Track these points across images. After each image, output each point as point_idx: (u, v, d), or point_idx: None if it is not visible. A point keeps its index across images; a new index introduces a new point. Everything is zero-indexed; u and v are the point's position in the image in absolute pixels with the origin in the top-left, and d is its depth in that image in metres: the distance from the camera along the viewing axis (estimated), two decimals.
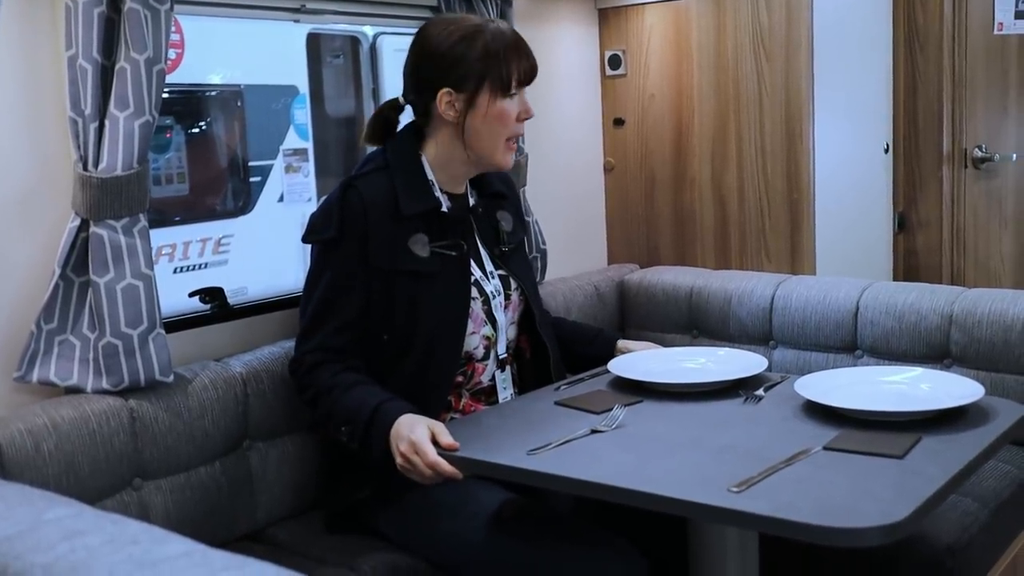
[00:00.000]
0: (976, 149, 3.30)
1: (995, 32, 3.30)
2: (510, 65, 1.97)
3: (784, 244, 2.83)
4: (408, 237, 1.97)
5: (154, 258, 1.85)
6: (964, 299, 2.40)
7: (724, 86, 2.85)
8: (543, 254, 2.70)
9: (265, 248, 4.74)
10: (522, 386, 2.15)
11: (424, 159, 2.04)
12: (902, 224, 3.26)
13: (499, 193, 2.18)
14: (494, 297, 2.07)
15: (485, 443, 1.74)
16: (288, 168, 5.07)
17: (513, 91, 1.99)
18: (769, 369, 2.58)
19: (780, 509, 1.38)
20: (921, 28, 3.18)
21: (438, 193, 2.03)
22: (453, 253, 2.01)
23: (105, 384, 1.80)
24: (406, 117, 2.12)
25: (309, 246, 2.01)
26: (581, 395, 1.96)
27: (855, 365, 2.50)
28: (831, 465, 1.54)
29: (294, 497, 2.08)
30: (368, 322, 1.96)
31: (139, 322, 1.81)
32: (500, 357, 2.09)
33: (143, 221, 1.82)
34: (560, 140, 2.96)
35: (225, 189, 4.69)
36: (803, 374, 2.52)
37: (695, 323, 2.76)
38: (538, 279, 2.66)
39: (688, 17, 2.89)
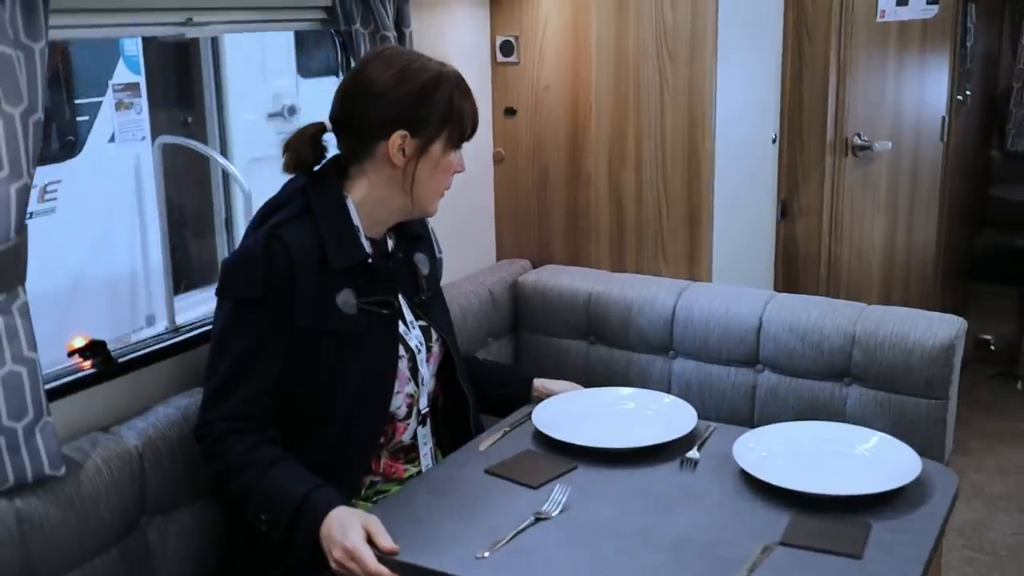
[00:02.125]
0: (856, 137, 3.31)
1: (878, 19, 3.30)
2: (466, 119, 1.89)
3: (682, 247, 2.78)
4: (335, 293, 1.81)
5: None
6: (866, 318, 2.41)
7: (624, 82, 2.73)
8: (439, 263, 2.56)
9: (98, 197, 4.39)
10: (438, 437, 2.03)
11: (349, 202, 1.86)
12: (784, 212, 3.26)
13: (417, 235, 2.03)
14: (418, 352, 1.93)
15: (424, 538, 1.62)
16: (119, 105, 4.68)
17: (459, 145, 1.88)
18: (669, 380, 2.59)
19: None
20: (810, 16, 3.14)
21: (364, 241, 1.87)
22: (385, 311, 1.87)
23: None
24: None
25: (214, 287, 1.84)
26: (511, 461, 1.87)
27: (756, 380, 2.50)
28: (794, 572, 1.51)
29: (196, 568, 1.91)
30: (286, 384, 1.80)
31: (24, 413, 1.58)
32: (422, 413, 1.96)
33: (23, 296, 1.58)
34: None
35: (48, 130, 4.29)
36: (703, 386, 2.55)
37: (593, 330, 2.69)
38: None
39: (587, 7, 2.73)
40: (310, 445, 1.81)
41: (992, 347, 4.60)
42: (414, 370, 1.93)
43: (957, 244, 4.54)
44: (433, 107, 1.84)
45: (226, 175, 5.03)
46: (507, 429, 2.01)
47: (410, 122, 1.83)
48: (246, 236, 1.88)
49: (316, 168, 1.92)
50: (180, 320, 2.32)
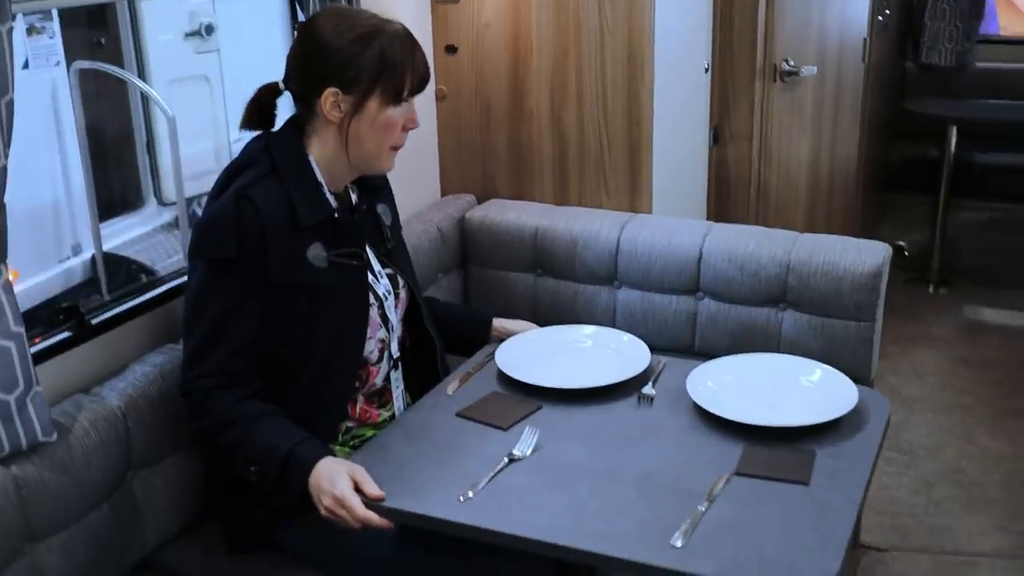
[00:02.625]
0: (783, 63, 3.42)
1: None
2: (404, 74, 1.88)
3: (623, 179, 2.88)
4: (305, 248, 1.87)
5: None
6: (799, 247, 2.55)
7: (564, 19, 2.78)
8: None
9: (14, 125, 4.30)
10: (407, 381, 2.13)
11: (311, 159, 1.92)
12: (716, 138, 3.38)
13: (378, 187, 2.09)
14: (386, 299, 2.02)
15: (406, 484, 1.73)
16: (30, 30, 4.55)
17: (403, 100, 1.89)
18: (615, 310, 2.72)
19: (727, 571, 1.49)
20: None
21: (328, 196, 1.93)
22: (354, 263, 1.94)
23: None
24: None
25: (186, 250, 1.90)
26: (479, 403, 1.97)
27: (697, 307, 2.64)
28: (751, 500, 1.65)
29: (181, 516, 2.01)
30: (263, 340, 1.87)
31: (14, 386, 1.63)
32: (394, 358, 2.05)
33: (5, 273, 1.62)
34: None
35: None
36: (646, 314, 2.68)
37: (540, 263, 2.79)
38: None
39: None
40: (287, 395, 1.89)
41: (906, 253, 4.82)
42: (384, 317, 2.01)
43: (875, 158, 4.73)
44: (364, 63, 1.85)
45: (145, 98, 4.95)
46: (470, 371, 2.11)
47: (340, 79, 1.85)
48: (211, 199, 1.93)
49: (278, 128, 1.96)
50: (107, 247, 2.32)
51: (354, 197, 2.04)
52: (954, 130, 4.61)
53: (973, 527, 2.94)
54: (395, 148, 1.96)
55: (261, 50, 6.26)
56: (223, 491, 1.98)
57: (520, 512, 1.65)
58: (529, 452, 1.79)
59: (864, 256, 2.50)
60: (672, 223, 2.73)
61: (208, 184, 5.64)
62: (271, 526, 1.94)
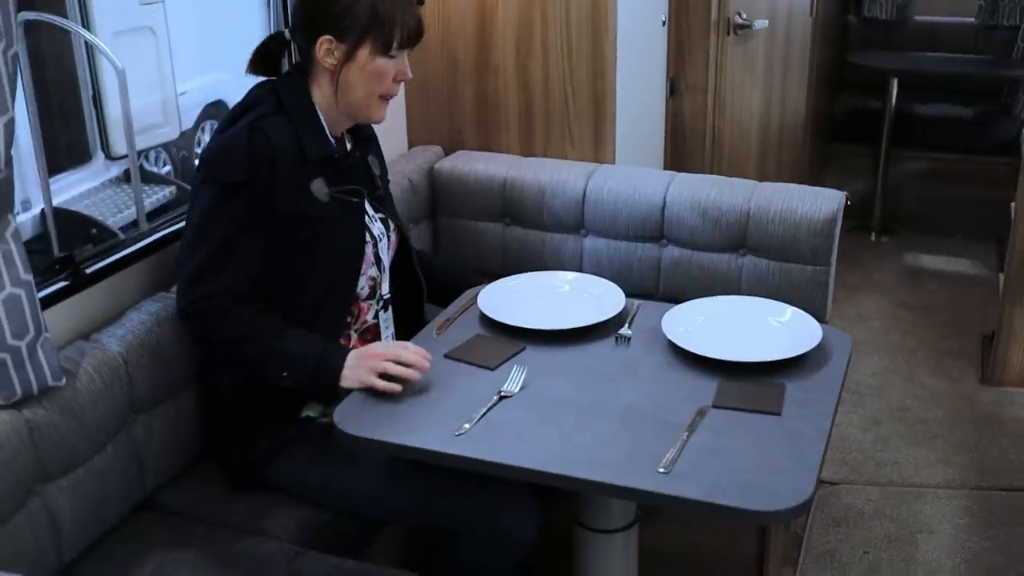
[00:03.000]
0: (737, 16, 3.52)
1: None
2: (394, 27, 1.97)
3: (587, 131, 2.96)
4: (309, 182, 1.99)
5: None
6: (758, 195, 2.67)
7: None
8: None
9: None
10: (396, 324, 2.22)
11: (315, 103, 2.02)
12: (673, 90, 3.47)
13: (368, 137, 2.20)
14: (380, 239, 2.12)
15: (402, 420, 1.82)
16: None
17: (394, 52, 1.98)
18: (581, 257, 2.82)
19: (710, 493, 1.61)
20: None
21: (330, 137, 2.04)
22: (354, 199, 2.06)
23: None
24: None
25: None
26: (465, 345, 2.06)
27: (661, 254, 2.75)
28: (728, 430, 1.78)
29: (178, 457, 2.09)
30: (265, 267, 1.97)
31: (25, 331, 1.69)
32: (384, 297, 2.15)
33: (13, 223, 1.66)
34: None
35: None
36: (612, 261, 2.78)
37: (508, 212, 2.87)
38: None
39: None
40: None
41: (848, 202, 4.96)
42: (377, 256, 2.12)
43: (821, 109, 4.87)
44: (357, 13, 1.95)
45: (90, 50, 4.90)
46: (454, 315, 2.20)
47: (336, 27, 1.95)
48: (220, 132, 2.02)
49: (284, 73, 2.07)
50: (56, 203, 2.36)
51: (348, 144, 2.13)
52: (895, 82, 4.77)
53: (918, 460, 3.11)
54: (384, 97, 2.05)
55: (209, 3, 6.21)
56: (220, 433, 2.06)
57: (513, 444, 1.75)
58: (517, 389, 1.89)
59: (820, 203, 2.63)
60: (636, 173, 2.83)
61: (157, 138, 5.58)
62: (264, 465, 2.02)
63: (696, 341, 2.01)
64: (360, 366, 1.89)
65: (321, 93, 2.03)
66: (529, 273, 2.37)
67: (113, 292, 2.05)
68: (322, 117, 2.03)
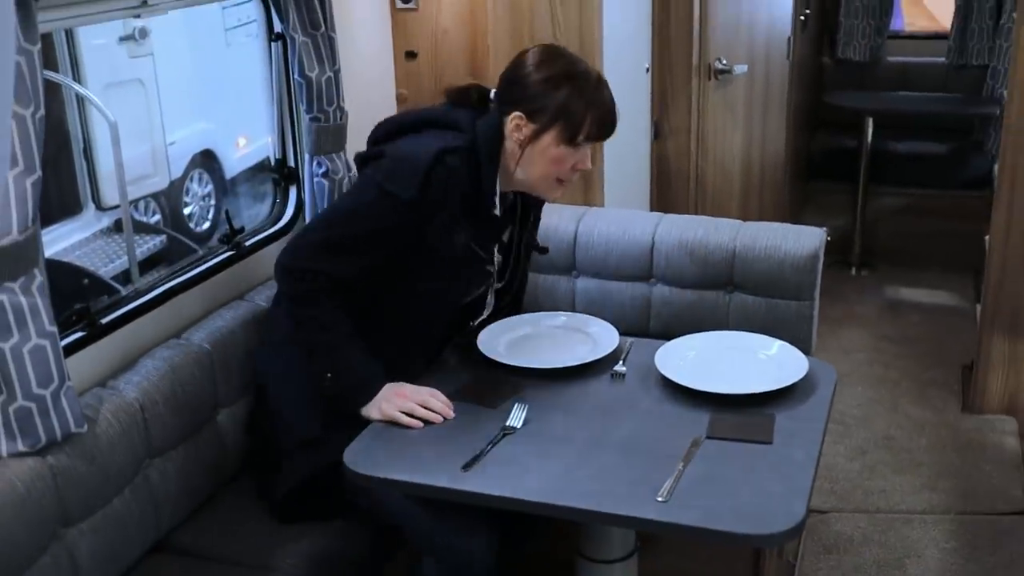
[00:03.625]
0: (717, 62, 3.65)
1: None
2: (585, 121, 2.05)
3: (578, 177, 3.06)
4: (456, 223, 2.08)
5: None
6: (743, 234, 2.76)
7: (519, 24, 2.96)
8: None
9: None
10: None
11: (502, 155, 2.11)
12: (657, 133, 3.59)
13: (539, 204, 2.34)
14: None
15: (411, 460, 1.91)
16: None
17: (579, 142, 2.07)
18: (573, 298, 2.91)
19: (707, 519, 1.69)
20: None
21: (497, 197, 2.13)
22: (483, 254, 2.18)
23: (21, 447, 1.76)
24: None
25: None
26: (466, 386, 2.14)
27: (650, 292, 2.84)
28: (722, 459, 1.87)
29: (190, 500, 2.15)
30: (376, 275, 2.09)
31: (50, 380, 1.76)
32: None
33: (40, 277, 1.74)
34: (352, 72, 2.96)
35: None
36: (604, 300, 2.87)
37: None
38: None
39: None
40: (369, 324, 2.11)
41: (829, 238, 5.09)
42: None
43: (799, 149, 5.00)
44: (550, 101, 2.04)
45: (80, 103, 4.98)
46: (451, 361, 2.28)
47: (529, 107, 2.05)
48: (405, 130, 2.15)
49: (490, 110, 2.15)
50: (47, 254, 2.44)
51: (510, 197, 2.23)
52: (870, 121, 4.91)
53: (904, 488, 3.20)
54: (561, 182, 2.14)
55: (196, 55, 6.31)
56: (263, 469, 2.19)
57: (518, 478, 1.83)
58: (520, 425, 1.97)
59: (803, 240, 2.73)
60: (625, 215, 2.92)
61: (147, 188, 5.65)
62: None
63: (688, 375, 2.10)
64: (389, 400, 2.00)
65: (505, 154, 2.10)
66: (524, 314, 2.46)
67: (125, 340, 2.13)
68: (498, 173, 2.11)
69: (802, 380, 2.10)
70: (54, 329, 1.77)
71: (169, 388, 2.06)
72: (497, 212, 2.14)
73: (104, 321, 2.10)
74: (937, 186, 5.13)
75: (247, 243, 2.57)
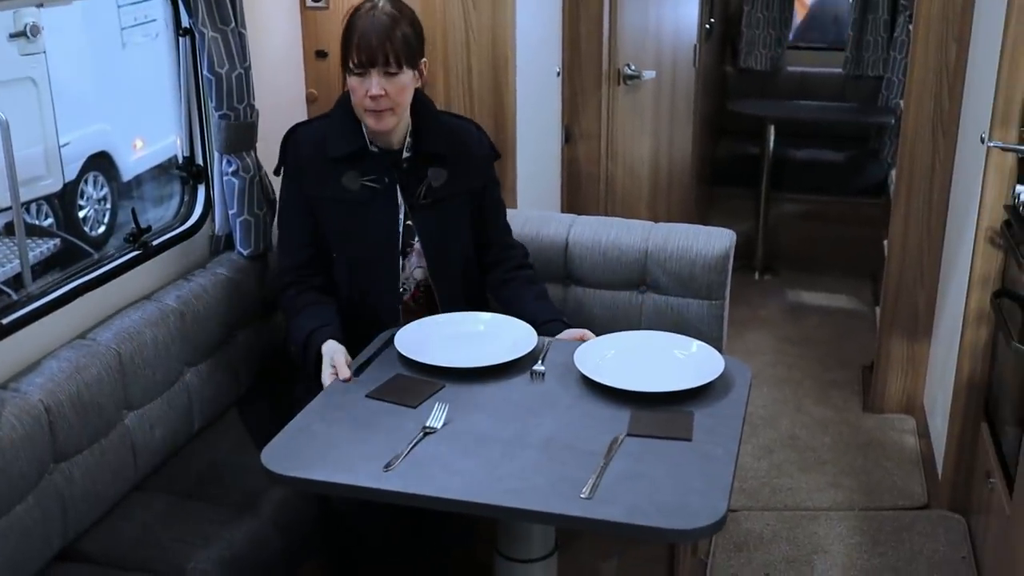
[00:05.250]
0: (626, 67, 3.69)
1: None
2: (349, 47, 2.26)
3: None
4: (341, 174, 2.35)
5: None
6: (655, 235, 2.80)
7: (431, 26, 2.93)
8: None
9: None
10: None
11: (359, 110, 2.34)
12: (568, 137, 3.61)
13: (436, 153, 2.43)
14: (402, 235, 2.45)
15: (333, 460, 1.86)
16: None
17: (355, 71, 2.26)
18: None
19: (631, 515, 1.70)
20: None
21: (368, 140, 2.37)
22: (375, 186, 2.37)
23: None
24: None
25: None
26: (386, 385, 2.11)
27: (565, 294, 2.85)
28: (644, 456, 1.87)
29: (98, 504, 2.08)
30: (321, 242, 2.40)
31: None
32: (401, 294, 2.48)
33: None
34: (261, 71, 2.91)
35: None
36: None
37: None
38: None
39: None
40: (348, 294, 2.42)
41: None
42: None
43: (704, 154, 5.09)
44: (344, 33, 2.29)
45: None
46: (373, 356, 2.25)
47: (341, 46, 2.30)
48: None
49: None
50: None
51: (406, 154, 2.41)
52: (772, 128, 5.02)
53: (810, 485, 3.27)
54: (368, 111, 2.29)
55: (90, 54, 6.13)
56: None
57: (440, 477, 1.81)
58: (440, 425, 1.96)
59: (713, 241, 2.78)
60: (539, 216, 2.93)
61: (40, 191, 5.50)
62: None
63: (608, 374, 2.11)
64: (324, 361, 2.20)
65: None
66: (444, 314, 2.44)
67: (28, 340, 2.04)
68: (364, 123, 2.35)
69: (719, 379, 2.13)
70: None
71: (75, 389, 1.99)
72: (373, 148, 2.38)
73: (5, 321, 2.01)
74: (835, 192, 5.28)
75: (154, 242, 2.49)
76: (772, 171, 5.08)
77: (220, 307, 2.47)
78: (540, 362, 2.22)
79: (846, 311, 4.74)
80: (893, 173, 4.19)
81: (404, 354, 2.21)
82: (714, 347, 2.72)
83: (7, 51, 5.35)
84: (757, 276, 5.12)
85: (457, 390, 2.11)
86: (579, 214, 3.01)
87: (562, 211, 3.60)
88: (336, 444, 1.91)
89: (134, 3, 5.96)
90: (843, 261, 5.05)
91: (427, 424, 1.95)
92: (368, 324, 2.37)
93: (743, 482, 3.28)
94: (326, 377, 2.15)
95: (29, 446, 1.86)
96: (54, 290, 2.15)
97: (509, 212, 2.96)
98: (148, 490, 2.22)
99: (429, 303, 2.53)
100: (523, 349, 2.23)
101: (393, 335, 2.28)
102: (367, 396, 2.07)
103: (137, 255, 2.43)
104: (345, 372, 2.13)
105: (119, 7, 5.96)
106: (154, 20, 6.16)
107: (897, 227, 3.51)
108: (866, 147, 5.45)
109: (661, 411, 2.01)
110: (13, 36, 5.39)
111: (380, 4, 2.30)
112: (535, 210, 3.08)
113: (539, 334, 2.31)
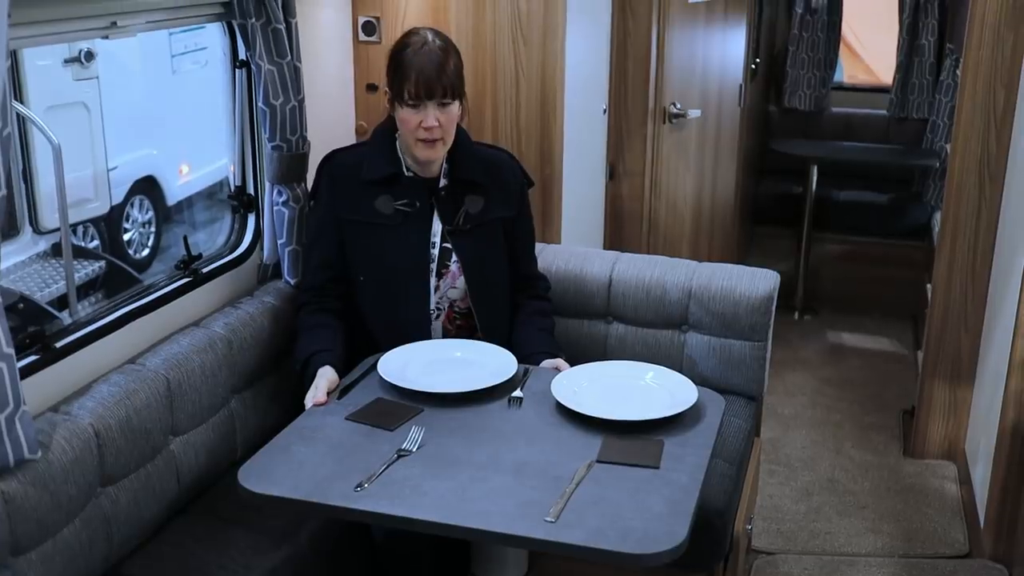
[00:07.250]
0: (672, 106, 3.71)
1: (689, 0, 3.68)
2: (404, 81, 2.32)
3: (536, 212, 3.06)
4: (375, 197, 2.42)
5: None
6: (699, 275, 2.80)
7: (482, 61, 2.98)
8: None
9: None
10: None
11: (397, 139, 2.45)
12: (612, 174, 3.63)
13: (474, 181, 2.48)
14: (432, 261, 2.47)
15: (308, 480, 1.89)
16: None
17: (409, 103, 2.33)
18: None
19: (592, 538, 1.73)
20: None
21: (404, 166, 2.45)
22: (408, 210, 2.42)
23: None
24: None
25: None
26: (366, 408, 2.14)
27: (607, 330, 2.86)
28: (611, 482, 1.90)
29: (141, 529, 2.10)
30: (344, 267, 2.45)
31: (5, 405, 1.71)
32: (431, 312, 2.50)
33: None
34: (314, 103, 2.95)
35: None
36: (560, 338, 2.87)
37: None
38: None
39: None
40: (373, 318, 2.46)
41: None
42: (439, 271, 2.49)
43: (746, 193, 5.09)
44: (391, 69, 2.37)
45: (23, 124, 4.89)
46: (357, 379, 2.28)
47: (388, 78, 2.38)
48: None
49: None
50: None
51: (443, 182, 2.47)
52: (815, 169, 5.02)
53: (849, 530, 3.24)
54: (420, 140, 2.36)
55: (141, 80, 6.23)
56: None
57: (411, 498, 1.83)
58: (415, 448, 1.98)
59: (757, 282, 2.78)
60: (583, 253, 2.94)
61: (87, 213, 5.60)
62: None
63: (582, 402, 2.14)
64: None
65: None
66: (426, 341, 2.46)
67: (81, 365, 2.08)
68: (400, 151, 2.46)
69: (691, 408, 2.15)
70: (11, 351, 1.72)
71: (124, 414, 2.01)
72: (409, 173, 2.45)
73: (58, 345, 2.05)
74: (878, 234, 5.24)
75: (204, 270, 2.53)
76: (814, 211, 5.07)
77: (266, 335, 2.49)
78: (519, 389, 2.23)
79: (886, 353, 4.70)
80: (937, 216, 4.18)
81: (385, 378, 2.22)
82: (756, 388, 2.73)
83: (62, 76, 5.46)
84: (797, 316, 5.10)
85: (435, 414, 2.13)
86: (622, 250, 3.02)
87: (605, 247, 3.60)
88: (312, 464, 1.94)
89: (188, 30, 6.06)
90: (884, 303, 5.02)
91: (402, 447, 1.97)
92: (399, 344, 2.38)
93: (781, 524, 3.25)
94: (308, 399, 2.18)
95: (78, 469, 1.89)
96: (106, 315, 2.19)
97: (553, 247, 2.99)
98: (191, 515, 2.23)
99: (469, 327, 2.54)
100: (502, 376, 2.25)
101: (378, 360, 2.31)
102: (347, 418, 2.11)
103: (187, 282, 2.46)
104: (320, 396, 2.16)
105: (170, 34, 6.07)
106: (204, 48, 6.27)
107: (941, 270, 3.48)
108: (909, 189, 5.42)
109: (632, 439, 2.04)
110: (68, 61, 5.51)
111: (430, 37, 2.36)
112: (578, 246, 3.09)
113: (529, 364, 2.36)
